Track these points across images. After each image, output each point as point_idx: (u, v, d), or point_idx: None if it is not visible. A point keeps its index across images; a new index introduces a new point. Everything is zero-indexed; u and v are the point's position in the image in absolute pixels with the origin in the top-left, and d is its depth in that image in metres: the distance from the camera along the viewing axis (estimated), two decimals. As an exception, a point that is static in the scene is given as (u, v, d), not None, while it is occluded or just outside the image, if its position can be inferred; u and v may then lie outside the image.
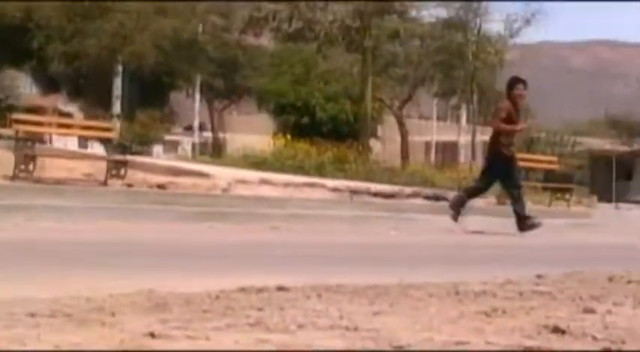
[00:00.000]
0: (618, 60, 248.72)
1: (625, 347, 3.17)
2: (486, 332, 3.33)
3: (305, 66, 31.93)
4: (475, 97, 35.99)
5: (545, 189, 24.33)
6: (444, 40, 33.34)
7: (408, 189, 20.60)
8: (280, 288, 4.36)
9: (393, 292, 4.35)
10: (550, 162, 25.51)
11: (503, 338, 3.24)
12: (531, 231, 12.14)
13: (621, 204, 31.85)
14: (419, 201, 19.52)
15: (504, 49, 35.42)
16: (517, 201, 12.70)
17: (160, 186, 14.74)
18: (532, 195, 24.20)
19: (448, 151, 42.57)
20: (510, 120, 12.83)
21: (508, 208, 18.29)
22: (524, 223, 12.36)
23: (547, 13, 34.91)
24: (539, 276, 4.98)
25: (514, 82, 13.18)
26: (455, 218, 12.72)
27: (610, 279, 4.75)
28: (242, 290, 4.30)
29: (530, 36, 57.70)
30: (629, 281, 4.63)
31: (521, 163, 25.26)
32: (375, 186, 20.06)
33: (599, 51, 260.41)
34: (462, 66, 33.51)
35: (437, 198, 20.57)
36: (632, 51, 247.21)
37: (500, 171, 12.95)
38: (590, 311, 3.80)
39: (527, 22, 34.44)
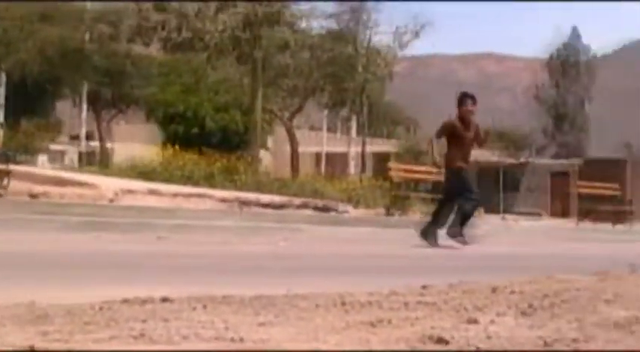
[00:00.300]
0: (504, 72, 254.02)
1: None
2: (372, 343, 3.36)
3: (194, 76, 31.79)
4: (365, 109, 36.28)
5: (433, 200, 24.65)
6: (334, 51, 33.52)
7: (297, 200, 20.68)
8: (165, 299, 4.32)
9: (280, 303, 4.35)
10: (438, 174, 25.84)
11: (388, 349, 3.27)
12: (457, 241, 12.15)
13: (508, 216, 32.47)
14: (308, 212, 19.60)
15: (393, 61, 35.78)
16: (460, 214, 12.59)
17: (44, 196, 14.47)
18: (421, 206, 24.53)
19: (338, 162, 42.82)
20: (456, 135, 12.83)
21: (396, 219, 18.56)
22: (454, 232, 12.38)
23: (435, 26, 35.30)
24: (424, 287, 5.04)
25: (463, 97, 13.20)
26: (433, 244, 12.48)
27: (493, 290, 4.83)
28: (126, 301, 4.24)
29: (419, 48, 58.56)
30: (512, 292, 4.72)
31: (410, 175, 25.71)
32: (265, 197, 20.09)
33: (485, 64, 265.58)
34: (351, 77, 33.74)
35: (326, 209, 20.70)
36: (517, 63, 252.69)
37: (458, 185, 12.87)
38: (473, 321, 3.86)
39: (416, 34, 34.85)
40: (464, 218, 12.50)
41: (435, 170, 14.77)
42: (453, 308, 4.27)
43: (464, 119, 12.99)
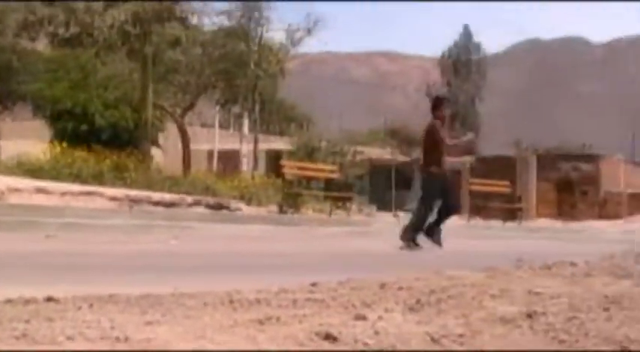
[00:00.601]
0: (397, 71, 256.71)
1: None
2: (259, 341, 3.36)
3: (83, 72, 31.26)
4: (257, 106, 36.24)
5: (326, 197, 24.82)
6: (226, 48, 33.39)
7: (189, 198, 20.59)
8: (50, 299, 4.25)
9: (167, 301, 4.32)
10: (331, 172, 26.02)
11: (276, 346, 3.27)
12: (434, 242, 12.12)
13: (400, 213, 32.81)
14: (200, 210, 19.52)
15: (286, 59, 35.81)
16: (438, 220, 12.52)
17: None
18: (314, 203, 24.66)
19: (230, 160, 42.64)
20: (440, 139, 12.72)
21: (288, 216, 18.61)
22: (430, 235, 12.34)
23: (328, 24, 35.44)
24: (313, 284, 5.05)
25: (439, 101, 13.23)
26: (410, 245, 12.35)
27: (382, 286, 4.87)
28: (9, 301, 4.16)
29: (312, 46, 58.74)
30: (401, 288, 4.77)
31: (302, 172, 25.80)
32: (156, 195, 19.94)
33: (378, 62, 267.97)
34: (243, 74, 33.64)
35: (219, 207, 20.63)
36: (409, 62, 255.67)
37: (435, 190, 12.68)
38: (361, 317, 3.89)
39: (309, 32, 34.94)
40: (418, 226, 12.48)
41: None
42: (342, 304, 4.30)
43: (442, 123, 12.94)
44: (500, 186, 30.83)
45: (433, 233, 12.54)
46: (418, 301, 4.37)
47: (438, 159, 12.61)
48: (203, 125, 48.30)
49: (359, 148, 39.88)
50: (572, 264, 5.54)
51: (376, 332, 3.58)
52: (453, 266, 6.26)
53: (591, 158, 42.02)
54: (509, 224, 27.46)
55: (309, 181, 26.80)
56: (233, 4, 34.00)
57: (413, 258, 9.83)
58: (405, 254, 11.27)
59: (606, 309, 4.26)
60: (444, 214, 12.72)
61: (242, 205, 22.69)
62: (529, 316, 4.07)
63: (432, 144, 12.66)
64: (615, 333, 3.82)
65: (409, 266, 6.22)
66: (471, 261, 9.01)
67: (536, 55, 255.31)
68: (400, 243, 12.09)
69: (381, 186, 41.44)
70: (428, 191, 12.73)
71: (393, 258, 9.91)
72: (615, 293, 4.58)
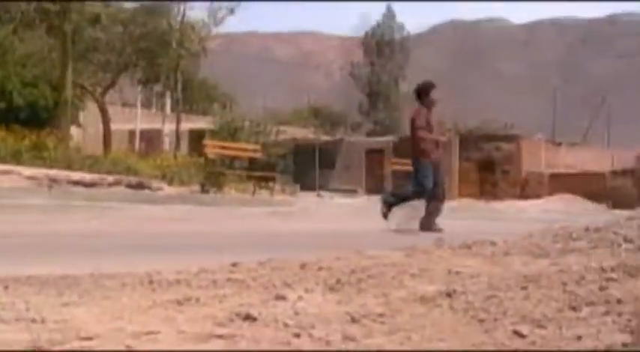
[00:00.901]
0: (320, 50, 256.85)
1: (315, 333, 3.28)
2: (178, 321, 3.34)
3: (0, 49, 30.71)
4: (179, 85, 35.99)
5: (249, 177, 24.77)
6: (147, 26, 33.07)
7: (109, 178, 20.38)
8: (-37, 282, 4.18)
9: (85, 282, 4.28)
10: (254, 151, 25.98)
11: (195, 327, 3.26)
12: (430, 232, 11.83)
13: (324, 193, 32.92)
14: (121, 190, 19.35)
15: (208, 38, 35.62)
16: (428, 210, 12.35)
17: None
18: (237, 183, 24.59)
19: (153, 139, 42.37)
20: (428, 125, 12.67)
21: (211, 196, 18.53)
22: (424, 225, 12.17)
23: (251, 4, 35.43)
24: (234, 264, 5.04)
25: (429, 87, 13.04)
26: (385, 215, 12.39)
27: (302, 266, 4.88)
28: None
29: (235, 26, 58.49)
30: (321, 268, 4.78)
31: (225, 152, 25.70)
32: (76, 175, 19.71)
33: (302, 42, 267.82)
34: (165, 53, 33.39)
35: (140, 187, 20.47)
36: (333, 41, 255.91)
37: (428, 172, 12.55)
38: (281, 298, 3.90)
39: (232, 11, 34.81)
40: (401, 200, 12.41)
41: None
42: (262, 285, 4.30)
43: (429, 109, 12.85)
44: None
45: (391, 205, 12.54)
46: (338, 281, 4.38)
47: (426, 146, 12.59)
48: (124, 104, 47.84)
49: (282, 128, 39.88)
50: (492, 244, 5.60)
51: (296, 313, 3.59)
52: (374, 246, 6.29)
53: (513, 138, 42.52)
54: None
55: (232, 161, 26.73)
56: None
57: (334, 237, 9.87)
58: (326, 234, 11.30)
59: (524, 288, 4.32)
60: (413, 196, 12.70)
61: (164, 185, 22.54)
62: (448, 295, 4.11)
63: (416, 132, 12.64)
64: (533, 311, 3.88)
65: (331, 247, 6.24)
66: (392, 240, 9.08)
67: (458, 35, 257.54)
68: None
69: (305, 166, 41.50)
70: (422, 175, 12.57)
71: (314, 238, 9.93)
72: (533, 272, 4.64)
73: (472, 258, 5.18)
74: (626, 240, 5.35)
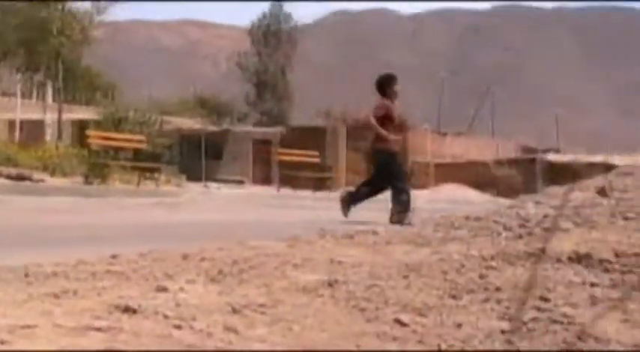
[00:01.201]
0: (207, 40, 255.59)
1: (196, 324, 3.27)
2: (55, 315, 3.30)
3: None
4: (61, 75, 35.35)
5: (134, 168, 24.52)
6: (27, 14, 32.41)
7: (-11, 169, 19.96)
8: None
9: (-42, 277, 4.18)
10: (138, 142, 25.72)
11: (72, 320, 3.22)
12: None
13: (210, 183, 32.77)
14: (1, 181, 18.97)
15: (91, 26, 35.08)
16: (394, 200, 11.98)
17: None
18: (121, 174, 24.31)
19: (34, 130, 41.51)
20: (390, 117, 12.48)
21: (94, 187, 18.29)
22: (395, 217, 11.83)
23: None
24: (113, 256, 4.99)
25: (392, 79, 12.84)
26: (345, 214, 12.13)
27: (184, 257, 4.86)
28: None
29: (119, 14, 57.77)
30: (203, 259, 4.77)
31: (109, 143, 25.36)
32: (-47, 166, 19.24)
33: (189, 30, 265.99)
34: (45, 42, 32.75)
35: (20, 178, 20.07)
36: (220, 31, 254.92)
37: (394, 165, 12.47)
38: (162, 289, 3.88)
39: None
40: (403, 206, 12.01)
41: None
42: (143, 276, 4.26)
43: (392, 102, 12.71)
44: (310, 156, 31.21)
45: (355, 202, 12.46)
46: (220, 271, 4.38)
47: (387, 137, 12.43)
48: (4, 94, 46.77)
49: (168, 118, 39.57)
50: (374, 233, 5.66)
51: (177, 304, 3.58)
52: (259, 237, 6.29)
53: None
54: (320, 194, 27.83)
55: (116, 152, 26.38)
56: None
57: (220, 228, 9.83)
58: (211, 225, 11.26)
59: (405, 277, 4.39)
60: (374, 191, 12.59)
61: (46, 176, 22.14)
62: (330, 285, 4.15)
63: (381, 124, 12.49)
64: (414, 300, 3.94)
65: (216, 237, 6.22)
66: (277, 230, 9.10)
67: (346, 26, 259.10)
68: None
69: (192, 156, 41.25)
70: (388, 170, 12.41)
71: (199, 229, 9.89)
72: (414, 260, 4.72)
73: (355, 248, 5.23)
74: (506, 228, 5.48)
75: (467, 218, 5.85)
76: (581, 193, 6.06)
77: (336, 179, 36.23)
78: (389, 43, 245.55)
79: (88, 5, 34.01)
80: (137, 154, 25.91)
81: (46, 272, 4.31)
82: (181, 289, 3.90)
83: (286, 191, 29.23)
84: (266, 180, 38.94)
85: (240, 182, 37.44)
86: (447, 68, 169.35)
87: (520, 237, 5.22)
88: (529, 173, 37.57)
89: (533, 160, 39.29)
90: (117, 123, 32.14)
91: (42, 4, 32.81)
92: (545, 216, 5.57)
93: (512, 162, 40.06)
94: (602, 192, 5.96)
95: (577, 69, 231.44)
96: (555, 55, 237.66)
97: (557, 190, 6.40)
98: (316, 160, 31.42)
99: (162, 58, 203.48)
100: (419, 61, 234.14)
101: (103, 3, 34.03)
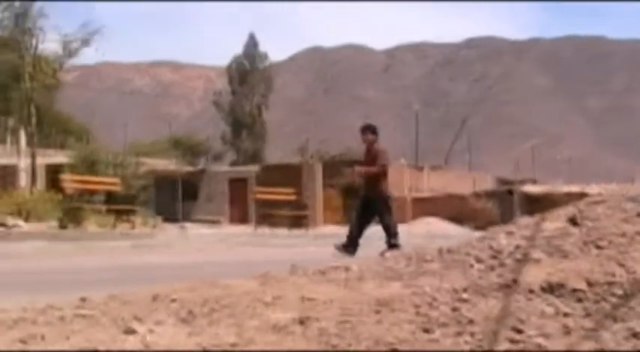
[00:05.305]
0: (179, 81, 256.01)
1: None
2: (21, 361, 3.27)
3: None
4: (33, 119, 35.27)
5: (109, 211, 24.49)
6: (-2, 59, 32.42)
7: (-39, 216, 19.88)
8: None
9: None
10: (113, 184, 25.70)
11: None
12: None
13: (187, 224, 32.71)
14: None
15: (62, 70, 35.07)
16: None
17: None
18: (97, 217, 24.25)
19: (8, 176, 41.31)
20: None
21: (70, 232, 18.16)
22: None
23: (107, 34, 34.96)
24: (82, 299, 4.95)
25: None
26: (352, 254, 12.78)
27: (154, 298, 4.82)
28: None
29: (90, 57, 57.79)
30: (173, 300, 4.74)
31: (83, 186, 25.31)
32: None
33: (161, 72, 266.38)
34: (17, 86, 32.72)
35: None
36: (193, 72, 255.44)
37: (385, 205, 13.73)
38: (131, 332, 3.85)
39: (86, 42, 34.38)
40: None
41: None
42: (112, 319, 4.23)
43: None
44: (286, 194, 31.23)
45: (355, 245, 13.17)
46: (190, 312, 4.35)
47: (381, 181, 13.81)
48: (-23, 140, 46.59)
49: (143, 159, 39.49)
50: (346, 269, 5.65)
51: (146, 346, 3.55)
52: (234, 276, 6.26)
53: (375, 163, 42.94)
54: (296, 231, 27.84)
55: (91, 195, 26.34)
56: (3, 13, 33.05)
57: (195, 269, 9.80)
58: (185, 266, 11.22)
59: (377, 312, 4.37)
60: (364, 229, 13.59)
61: (20, 222, 22.06)
62: (302, 322, 4.13)
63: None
64: (385, 335, 3.93)
65: (187, 278, 6.19)
66: (252, 269, 9.06)
67: (318, 62, 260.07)
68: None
69: (167, 198, 41.18)
70: (381, 208, 13.70)
71: (172, 270, 9.85)
72: (386, 295, 4.70)
73: (326, 284, 5.22)
74: (478, 260, 5.48)
75: (439, 251, 5.86)
76: (552, 223, 6.08)
77: (312, 216, 36.20)
78: (362, 78, 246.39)
79: (58, 49, 33.98)
80: (111, 197, 25.88)
81: (13, 318, 4.27)
82: (150, 331, 3.88)
83: (263, 230, 29.21)
84: (243, 219, 38.87)
85: (217, 222, 37.40)
86: (421, 101, 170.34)
87: (492, 268, 5.22)
88: (507, 205, 37.67)
89: (510, 192, 39.42)
90: (91, 166, 32.09)
91: (13, 48, 32.79)
92: (517, 247, 5.58)
93: (490, 195, 40.18)
94: (573, 221, 5.97)
95: (551, 99, 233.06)
96: (529, 85, 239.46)
97: (528, 220, 6.41)
98: (292, 198, 31.44)
99: (134, 100, 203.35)
100: (392, 94, 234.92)
101: (74, 44, 34.00)
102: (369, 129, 14.02)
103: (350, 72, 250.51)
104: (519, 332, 4.00)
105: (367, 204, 13.69)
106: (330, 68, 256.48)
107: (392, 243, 13.14)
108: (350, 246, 13.04)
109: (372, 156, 13.81)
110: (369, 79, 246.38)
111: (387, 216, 13.64)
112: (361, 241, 13.19)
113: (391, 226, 13.56)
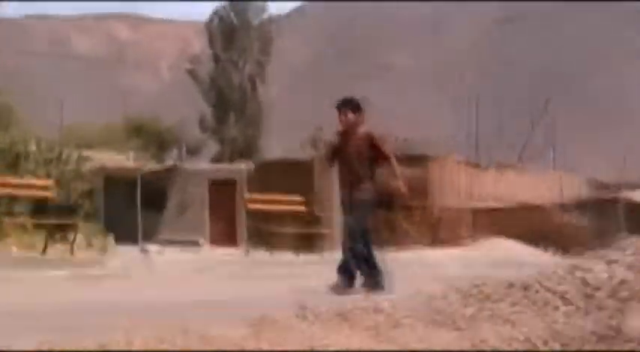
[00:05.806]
0: (140, 41, 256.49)
1: None
2: None
3: None
4: None
5: (38, 226, 24.48)
6: None
7: None
8: None
9: None
10: (44, 188, 25.68)
11: None
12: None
13: (151, 246, 32.75)
14: None
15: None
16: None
17: None
18: (20, 235, 24.28)
19: None
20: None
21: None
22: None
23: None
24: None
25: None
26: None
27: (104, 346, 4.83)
28: None
29: (17, 9, 58.02)
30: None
31: (3, 190, 25.35)
32: None
33: (113, 29, 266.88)
34: None
35: None
36: (159, 29, 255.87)
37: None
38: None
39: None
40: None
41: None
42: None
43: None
44: (292, 203, 31.21)
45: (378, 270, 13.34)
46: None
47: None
48: None
49: (87, 152, 39.54)
50: (377, 310, 5.63)
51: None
52: (216, 320, 6.24)
53: (417, 159, 42.62)
54: (307, 257, 27.86)
55: (12, 202, 26.40)
56: None
57: (159, 311, 9.79)
58: (147, 306, 11.22)
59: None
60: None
61: None
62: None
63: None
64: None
65: (149, 323, 6.17)
66: (243, 310, 9.05)
67: (333, 16, 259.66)
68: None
69: (122, 207, 41.15)
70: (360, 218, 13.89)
71: (129, 312, 9.86)
72: (434, 349, 4.69)
73: (348, 332, 5.21)
74: (565, 299, 5.46)
75: (509, 286, 5.84)
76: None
77: (329, 235, 36.10)
78: (391, 40, 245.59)
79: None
80: (42, 206, 25.91)
81: None
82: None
83: (259, 254, 29.24)
84: (230, 239, 38.85)
85: (194, 243, 37.41)
86: (477, 70, 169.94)
87: (586, 312, 5.21)
88: (607, 219, 37.57)
89: (613, 200, 39.33)
90: (13, 162, 32.12)
91: None
92: (623, 282, 5.56)
93: (582, 205, 40.08)
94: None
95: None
96: (631, 53, 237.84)
97: (639, 243, 6.40)
98: (300, 208, 31.41)
99: (76, 67, 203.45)
100: (434, 60, 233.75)
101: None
102: (348, 105, 13.79)
103: (373, 30, 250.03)
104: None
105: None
106: (346, 25, 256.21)
107: (373, 279, 13.00)
108: (371, 275, 12.94)
109: (356, 146, 13.57)
110: (399, 41, 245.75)
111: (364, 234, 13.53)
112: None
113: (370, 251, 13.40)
